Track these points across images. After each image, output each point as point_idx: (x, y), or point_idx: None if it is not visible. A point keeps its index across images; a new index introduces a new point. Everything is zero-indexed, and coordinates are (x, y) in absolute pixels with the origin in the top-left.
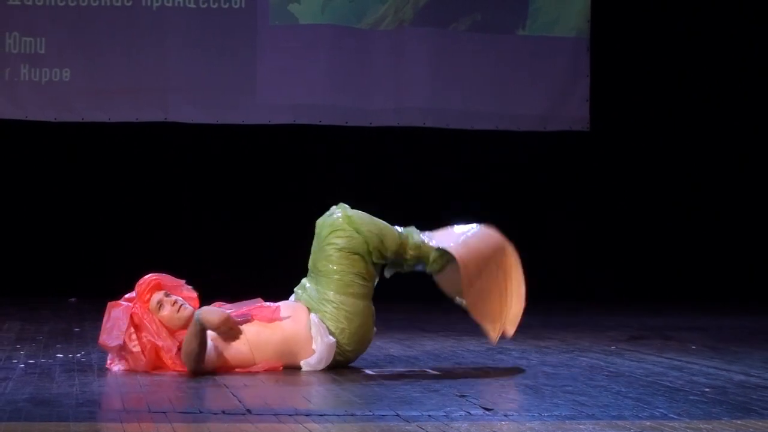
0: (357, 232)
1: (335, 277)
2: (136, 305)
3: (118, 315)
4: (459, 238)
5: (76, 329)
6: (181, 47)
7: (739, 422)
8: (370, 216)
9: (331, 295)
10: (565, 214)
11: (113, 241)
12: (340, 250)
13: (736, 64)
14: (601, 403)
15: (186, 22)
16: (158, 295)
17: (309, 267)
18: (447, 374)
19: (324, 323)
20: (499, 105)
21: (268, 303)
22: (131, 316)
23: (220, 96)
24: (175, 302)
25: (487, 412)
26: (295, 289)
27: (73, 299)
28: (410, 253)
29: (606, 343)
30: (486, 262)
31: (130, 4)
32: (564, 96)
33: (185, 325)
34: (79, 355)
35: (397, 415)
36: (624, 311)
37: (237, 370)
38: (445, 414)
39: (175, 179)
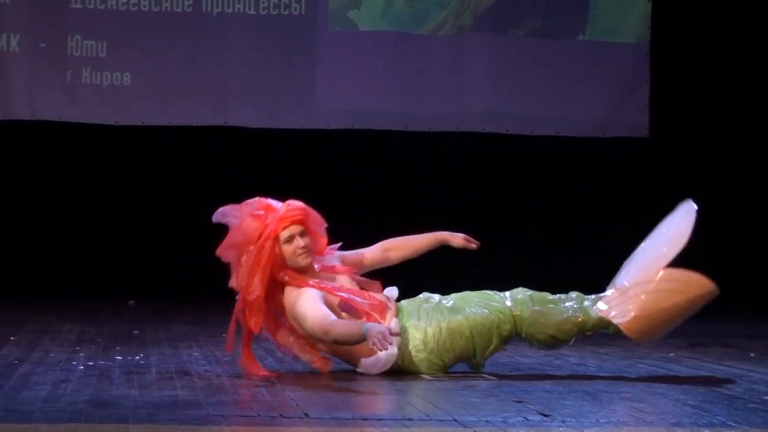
0: (516, 333)
1: (466, 326)
2: (271, 222)
3: (246, 217)
4: (648, 286)
5: (135, 332)
6: (241, 52)
7: None
8: (543, 309)
9: (444, 326)
10: (620, 220)
11: (173, 245)
12: (489, 328)
13: None
14: (659, 410)
15: (246, 28)
16: (295, 229)
17: (455, 295)
18: (505, 380)
19: (407, 333)
20: (559, 111)
21: (377, 296)
22: (261, 230)
23: (279, 101)
24: (305, 247)
25: (544, 418)
26: (424, 294)
27: (132, 302)
28: (588, 332)
29: (665, 351)
30: (678, 314)
31: (190, 10)
32: (624, 102)
33: (296, 270)
34: (138, 357)
35: (455, 420)
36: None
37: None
38: (502, 419)
39: (234, 182)
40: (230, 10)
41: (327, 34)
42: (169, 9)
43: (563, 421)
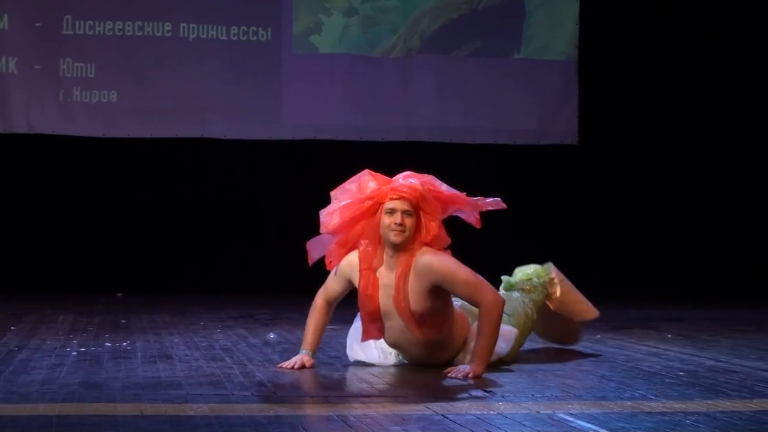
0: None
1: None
2: (385, 189)
3: (367, 176)
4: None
5: (123, 321)
6: (216, 73)
7: (709, 402)
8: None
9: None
10: (555, 218)
11: (156, 243)
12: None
13: (714, 81)
14: (587, 385)
15: (219, 51)
16: (401, 205)
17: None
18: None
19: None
20: (498, 122)
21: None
22: (374, 190)
23: (250, 115)
24: (401, 225)
25: (486, 395)
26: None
27: (120, 294)
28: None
29: (592, 333)
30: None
31: (170, 35)
32: (555, 113)
33: (376, 244)
34: (125, 344)
35: (405, 397)
36: (609, 305)
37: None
38: (451, 396)
39: (210, 187)
40: (205, 36)
41: (291, 56)
42: (150, 34)
43: (503, 396)
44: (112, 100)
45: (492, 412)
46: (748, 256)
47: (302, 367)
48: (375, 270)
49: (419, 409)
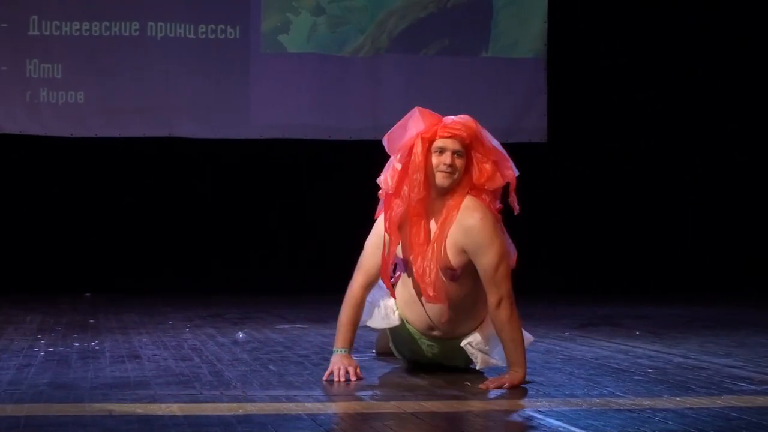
0: None
1: None
2: (434, 128)
3: (419, 113)
4: None
5: (91, 321)
6: (183, 72)
7: (678, 399)
8: None
9: None
10: (524, 216)
11: (124, 243)
12: None
13: (683, 77)
14: (555, 383)
15: (187, 50)
16: (452, 144)
17: None
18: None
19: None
20: None
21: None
22: (421, 135)
23: (217, 115)
24: (451, 166)
25: (460, 393)
26: None
27: (88, 294)
28: None
29: (560, 331)
30: None
31: (137, 34)
32: (524, 111)
33: (424, 187)
34: (93, 344)
35: (377, 394)
36: (577, 303)
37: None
38: (423, 392)
39: (178, 187)
40: (173, 35)
41: (259, 55)
42: (117, 33)
43: (472, 394)
44: (80, 100)
45: (461, 410)
46: (722, 253)
47: (354, 376)
48: (427, 215)
49: (389, 407)
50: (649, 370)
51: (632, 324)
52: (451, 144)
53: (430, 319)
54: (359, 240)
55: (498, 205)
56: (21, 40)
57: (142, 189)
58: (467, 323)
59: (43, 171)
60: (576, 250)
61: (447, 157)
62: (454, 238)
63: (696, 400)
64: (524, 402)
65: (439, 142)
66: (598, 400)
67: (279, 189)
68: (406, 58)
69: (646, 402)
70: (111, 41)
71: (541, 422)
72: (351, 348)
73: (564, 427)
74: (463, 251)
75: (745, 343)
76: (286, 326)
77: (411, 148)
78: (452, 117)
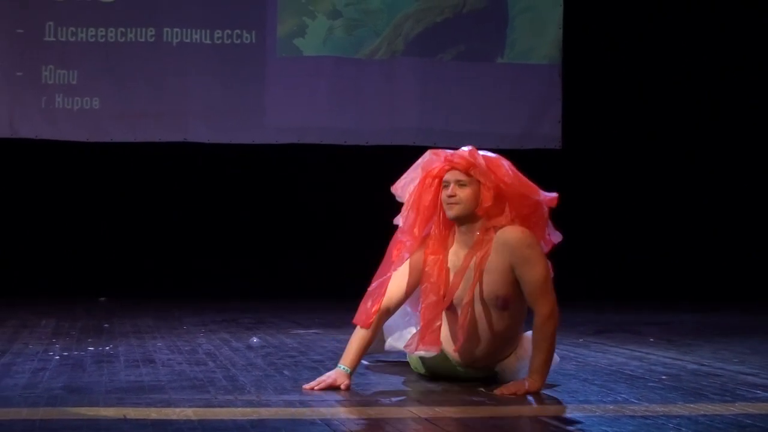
0: None
1: None
2: (445, 163)
3: (429, 154)
4: None
5: (105, 325)
6: (199, 77)
7: (692, 406)
8: None
9: None
10: None
11: (139, 247)
12: None
13: (698, 85)
14: (570, 389)
15: (203, 56)
16: (452, 176)
17: None
18: None
19: None
20: (481, 125)
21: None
22: (428, 171)
23: (233, 119)
24: (452, 196)
25: (474, 398)
26: None
27: (103, 298)
28: None
29: (575, 337)
30: None
31: (153, 40)
32: (539, 117)
33: (445, 225)
34: (108, 348)
35: (381, 401)
36: (591, 309)
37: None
38: (437, 395)
39: (193, 192)
40: (189, 40)
41: (275, 59)
42: (133, 40)
43: (489, 400)
44: (95, 106)
45: (475, 416)
46: (735, 260)
47: (334, 387)
48: (446, 250)
49: (403, 413)
50: (663, 377)
51: (646, 331)
52: (451, 175)
53: (473, 354)
54: (375, 245)
55: (547, 236)
56: (37, 46)
57: (158, 194)
58: (509, 350)
59: (58, 175)
60: (591, 257)
61: (449, 189)
62: (495, 261)
63: (710, 407)
64: (538, 408)
65: (445, 177)
66: (612, 407)
67: (294, 193)
68: (422, 61)
69: (660, 409)
70: (127, 47)
71: (556, 429)
72: (354, 368)
73: None
74: (510, 269)
75: (759, 351)
76: (301, 331)
77: (419, 188)
78: (452, 151)
